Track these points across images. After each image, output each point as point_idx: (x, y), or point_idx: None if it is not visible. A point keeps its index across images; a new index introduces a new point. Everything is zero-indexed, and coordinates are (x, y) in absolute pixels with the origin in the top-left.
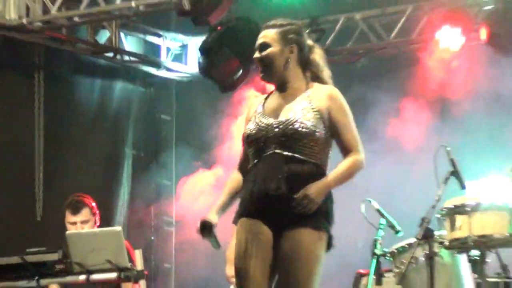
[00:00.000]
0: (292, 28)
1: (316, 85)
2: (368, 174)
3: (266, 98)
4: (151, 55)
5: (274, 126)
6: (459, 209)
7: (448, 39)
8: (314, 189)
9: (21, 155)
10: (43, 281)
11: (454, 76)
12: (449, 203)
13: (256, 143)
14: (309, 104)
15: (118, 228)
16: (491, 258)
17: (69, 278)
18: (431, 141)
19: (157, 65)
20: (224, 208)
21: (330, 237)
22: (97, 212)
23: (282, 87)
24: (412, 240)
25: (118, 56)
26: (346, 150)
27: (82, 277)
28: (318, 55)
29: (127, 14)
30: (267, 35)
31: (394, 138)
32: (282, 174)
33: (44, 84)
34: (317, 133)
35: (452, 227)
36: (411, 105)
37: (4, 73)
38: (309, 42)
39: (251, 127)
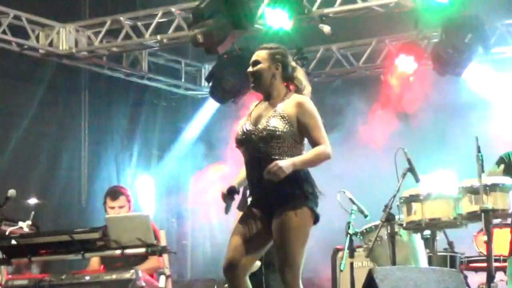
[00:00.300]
0: (279, 51)
1: (292, 96)
2: (342, 169)
3: (255, 106)
4: (172, 77)
5: (253, 132)
6: (414, 198)
7: (404, 65)
8: (282, 162)
9: (70, 154)
10: (87, 255)
11: (410, 93)
12: (406, 193)
13: (241, 146)
14: (280, 112)
15: (146, 213)
16: (439, 236)
17: (108, 252)
18: (393, 143)
19: (177, 85)
20: (239, 184)
21: (314, 212)
22: (131, 199)
23: (267, 97)
24: (378, 222)
25: (147, 78)
26: (315, 146)
27: (118, 252)
28: (300, 74)
29: (154, 45)
30: (259, 54)
31: (363, 141)
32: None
33: (89, 100)
34: (287, 137)
35: (409, 212)
36: (376, 115)
37: (57, 92)
38: (293, 63)
39: (238, 132)
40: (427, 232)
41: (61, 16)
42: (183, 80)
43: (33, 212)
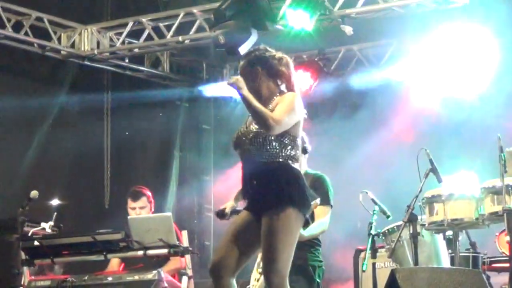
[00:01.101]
0: (255, 54)
1: (283, 93)
2: (366, 171)
3: None
4: (193, 77)
5: (244, 134)
6: (436, 198)
7: None
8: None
9: (93, 156)
10: (110, 256)
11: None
12: (429, 194)
13: (236, 148)
14: None
15: (168, 213)
16: (462, 236)
17: (130, 253)
18: (415, 143)
19: (199, 86)
20: (238, 197)
21: (300, 210)
22: (152, 200)
23: (259, 99)
24: (400, 223)
25: (168, 79)
26: None
27: (140, 252)
28: (284, 66)
29: (176, 46)
30: (240, 65)
31: (386, 142)
32: (255, 179)
33: (111, 100)
34: (275, 137)
35: (431, 212)
36: (398, 116)
37: (80, 92)
38: (278, 54)
39: (234, 134)
40: (449, 233)
41: (83, 17)
42: (204, 80)
43: (55, 213)
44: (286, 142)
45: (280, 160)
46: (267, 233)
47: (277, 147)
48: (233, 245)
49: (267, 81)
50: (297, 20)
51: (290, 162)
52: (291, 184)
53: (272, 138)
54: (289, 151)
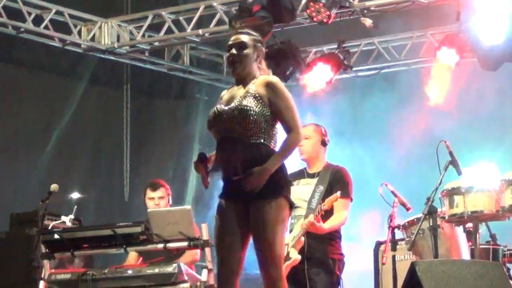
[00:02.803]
0: (259, 39)
1: (261, 76)
2: (386, 163)
3: (227, 91)
4: (214, 70)
5: (224, 112)
6: (456, 191)
7: (446, 57)
8: (257, 175)
9: (112, 149)
10: (130, 249)
11: (452, 85)
12: (449, 186)
13: (212, 127)
14: (252, 92)
15: (188, 206)
16: (482, 229)
17: (150, 246)
18: (434, 135)
19: (219, 79)
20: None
21: (287, 198)
22: (170, 193)
23: (242, 81)
24: (420, 215)
25: (188, 72)
26: (286, 130)
27: (160, 245)
28: (264, 63)
29: (195, 39)
30: (244, 38)
31: (406, 134)
32: (237, 161)
33: (131, 94)
34: (258, 116)
35: (451, 205)
36: (418, 107)
37: (100, 85)
38: (260, 37)
39: (210, 114)
40: (469, 225)
41: (103, 11)
42: (224, 74)
43: (75, 207)
44: (270, 122)
45: (265, 142)
46: (260, 225)
47: (260, 127)
48: (229, 251)
49: (254, 67)
50: (317, 13)
51: (272, 143)
52: (281, 172)
53: (256, 115)
54: (272, 131)
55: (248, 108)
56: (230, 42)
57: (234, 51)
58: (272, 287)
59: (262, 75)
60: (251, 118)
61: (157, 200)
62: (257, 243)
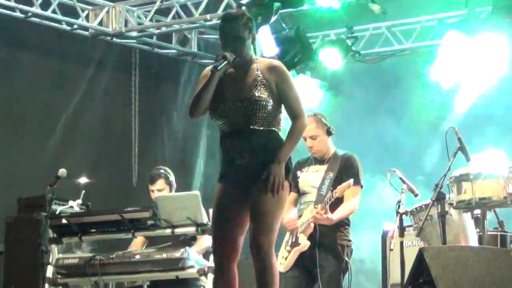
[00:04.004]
0: (248, 17)
1: (261, 59)
2: (395, 149)
3: (226, 73)
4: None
5: (235, 102)
6: (464, 177)
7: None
8: (274, 171)
9: (120, 133)
10: (137, 234)
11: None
12: (457, 172)
13: (220, 117)
14: (260, 79)
15: (196, 192)
16: (490, 215)
17: (158, 231)
18: (442, 122)
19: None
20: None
21: (289, 182)
22: (172, 181)
23: (240, 66)
24: (428, 201)
25: (197, 57)
26: (292, 117)
27: (168, 231)
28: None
29: (203, 24)
30: (236, 26)
31: (413, 119)
32: (245, 148)
33: (139, 79)
34: (269, 104)
35: (459, 191)
36: (425, 93)
37: (108, 70)
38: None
39: (215, 102)
40: (477, 211)
41: None
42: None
43: (83, 191)
44: (276, 107)
45: (273, 128)
46: (261, 204)
47: (268, 113)
48: (227, 234)
49: (250, 48)
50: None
51: (279, 127)
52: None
53: (266, 104)
54: (277, 116)
55: (261, 99)
56: (222, 31)
57: (231, 46)
58: (260, 260)
59: (263, 58)
60: (263, 109)
61: (156, 193)
62: (253, 213)
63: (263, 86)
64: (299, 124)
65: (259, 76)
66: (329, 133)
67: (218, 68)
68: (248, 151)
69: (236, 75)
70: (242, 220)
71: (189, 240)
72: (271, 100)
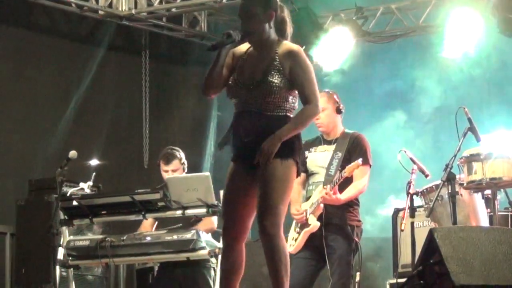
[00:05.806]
0: None
1: (284, 43)
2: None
3: (247, 53)
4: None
5: (249, 85)
6: (475, 157)
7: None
8: (268, 143)
9: (131, 115)
10: (148, 215)
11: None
12: (467, 153)
13: (234, 97)
14: (276, 64)
15: (207, 173)
16: (500, 196)
17: (169, 213)
18: (453, 102)
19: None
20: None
21: (297, 163)
22: (185, 162)
23: (260, 47)
24: (438, 181)
25: (206, 38)
26: (304, 102)
27: (179, 212)
28: (286, 14)
29: (214, 6)
30: (250, 4)
31: (422, 100)
32: (254, 129)
33: (149, 60)
34: (281, 90)
35: (470, 171)
36: (435, 74)
37: (118, 52)
38: (278, 1)
39: (232, 83)
40: (487, 192)
41: None
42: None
43: (94, 173)
44: (290, 92)
45: (284, 114)
46: (267, 179)
47: (282, 98)
48: (236, 214)
49: (272, 31)
50: None
51: (290, 114)
52: (296, 137)
53: (279, 89)
54: (291, 100)
55: (273, 84)
56: (239, 12)
57: (245, 24)
58: (265, 241)
59: (286, 42)
60: (274, 94)
61: (171, 173)
62: (259, 191)
63: (277, 71)
64: (308, 109)
65: (275, 61)
66: (338, 111)
67: (216, 44)
68: (255, 130)
69: (256, 56)
70: (252, 201)
71: (194, 223)
72: (284, 86)
